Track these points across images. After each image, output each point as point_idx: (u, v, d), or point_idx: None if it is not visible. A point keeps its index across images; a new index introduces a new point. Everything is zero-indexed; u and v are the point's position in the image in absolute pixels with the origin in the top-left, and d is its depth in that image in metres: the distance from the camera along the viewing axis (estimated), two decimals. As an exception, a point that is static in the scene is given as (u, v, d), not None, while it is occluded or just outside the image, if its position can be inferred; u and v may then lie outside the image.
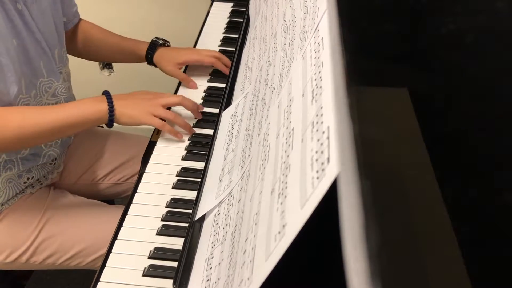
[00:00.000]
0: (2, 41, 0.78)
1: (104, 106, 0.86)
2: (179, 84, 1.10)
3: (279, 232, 0.41)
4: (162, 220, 0.80)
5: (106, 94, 0.88)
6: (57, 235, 0.93)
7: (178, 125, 0.93)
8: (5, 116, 0.80)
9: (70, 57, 1.07)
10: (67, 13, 1.04)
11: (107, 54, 1.15)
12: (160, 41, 1.10)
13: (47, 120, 0.82)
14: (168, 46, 1.12)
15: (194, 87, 1.08)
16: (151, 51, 1.09)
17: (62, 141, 1.00)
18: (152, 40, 1.10)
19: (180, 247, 0.71)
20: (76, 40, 1.11)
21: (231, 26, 1.29)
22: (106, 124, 0.87)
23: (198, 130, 0.97)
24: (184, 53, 1.09)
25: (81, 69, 1.51)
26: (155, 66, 1.11)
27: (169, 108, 0.95)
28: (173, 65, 1.07)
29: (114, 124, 0.88)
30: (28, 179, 0.94)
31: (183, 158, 0.91)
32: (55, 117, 0.82)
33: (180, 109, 0.99)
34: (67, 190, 1.03)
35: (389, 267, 0.26)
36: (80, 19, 1.10)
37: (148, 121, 0.88)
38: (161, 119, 0.90)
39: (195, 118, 0.98)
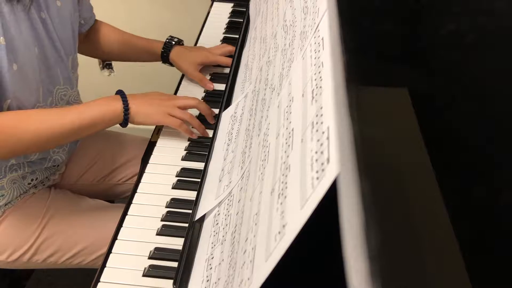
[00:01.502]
0: (27, 50, 0.79)
1: (119, 105, 0.85)
2: (179, 85, 1.10)
3: (279, 232, 0.41)
4: (162, 220, 0.79)
5: (120, 93, 0.87)
6: (59, 233, 0.94)
7: (194, 126, 0.93)
8: (23, 120, 0.80)
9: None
10: (85, 16, 1.05)
11: (122, 53, 1.15)
12: (175, 40, 1.12)
13: (63, 122, 0.81)
14: (182, 45, 1.13)
15: (211, 88, 1.09)
16: (167, 50, 1.10)
17: (69, 147, 1.00)
18: (167, 40, 1.12)
19: (180, 247, 0.71)
20: (93, 41, 1.12)
21: (231, 26, 1.29)
22: (120, 124, 0.87)
23: (198, 130, 0.97)
24: (201, 54, 1.10)
25: (81, 70, 1.50)
26: (170, 65, 1.12)
27: None
28: (193, 66, 1.08)
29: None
30: (32, 180, 0.94)
31: (183, 159, 0.91)
32: (71, 119, 0.81)
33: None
34: (68, 190, 1.03)
35: (389, 267, 0.26)
36: (96, 20, 1.11)
37: (164, 120, 0.88)
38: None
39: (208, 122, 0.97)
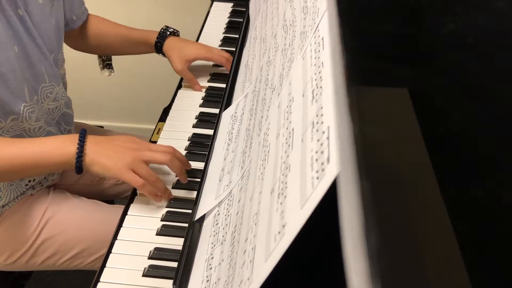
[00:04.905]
0: (3, 50, 0.77)
1: (71, 149, 0.74)
2: (180, 83, 1.10)
3: (279, 232, 0.41)
4: (162, 220, 0.79)
5: (81, 134, 0.76)
6: (58, 235, 0.93)
7: (157, 190, 0.79)
8: None
9: (69, 57, 1.07)
10: (77, 12, 1.04)
11: (117, 46, 1.14)
12: (170, 30, 1.10)
13: (6, 155, 0.74)
14: (178, 35, 1.11)
15: (199, 89, 1.08)
16: (161, 40, 1.08)
17: None
18: (162, 29, 1.09)
19: (180, 248, 0.71)
20: (86, 36, 1.11)
21: (231, 26, 1.29)
22: (75, 170, 0.75)
23: (198, 130, 0.97)
24: (194, 49, 1.08)
25: (81, 69, 1.51)
26: (164, 55, 1.10)
27: None
28: (183, 63, 1.06)
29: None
30: (29, 181, 0.94)
31: (183, 158, 0.91)
32: (15, 154, 0.74)
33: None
34: (67, 191, 1.03)
35: (389, 267, 0.26)
36: (89, 15, 1.10)
37: (124, 177, 0.74)
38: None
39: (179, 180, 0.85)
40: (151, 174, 0.77)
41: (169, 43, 1.08)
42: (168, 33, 1.09)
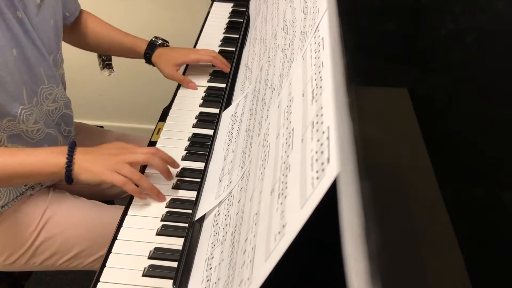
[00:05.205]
0: (1, 53, 0.77)
1: (61, 160, 0.78)
2: (179, 84, 1.10)
3: (279, 232, 0.41)
4: (162, 220, 0.79)
5: (70, 145, 0.80)
6: (57, 236, 0.93)
7: (143, 188, 0.82)
8: None
9: (69, 57, 1.07)
10: (70, 8, 1.03)
11: (107, 47, 1.14)
12: (159, 41, 1.10)
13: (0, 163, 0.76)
14: (167, 46, 1.12)
15: (194, 87, 1.08)
16: (150, 50, 1.09)
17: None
18: (151, 40, 1.10)
19: (180, 247, 0.71)
20: (78, 32, 1.11)
21: (231, 26, 1.30)
22: (65, 180, 0.79)
23: (198, 130, 0.97)
24: (181, 53, 1.09)
25: (81, 69, 1.51)
26: (153, 65, 1.11)
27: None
28: (171, 67, 1.07)
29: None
30: None
31: (183, 158, 0.91)
32: (5, 163, 0.76)
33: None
34: (67, 191, 1.03)
35: (389, 267, 0.26)
36: (81, 10, 1.10)
37: (108, 178, 0.78)
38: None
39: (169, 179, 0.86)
40: (135, 173, 0.80)
41: (158, 53, 1.09)
42: (158, 44, 1.10)
